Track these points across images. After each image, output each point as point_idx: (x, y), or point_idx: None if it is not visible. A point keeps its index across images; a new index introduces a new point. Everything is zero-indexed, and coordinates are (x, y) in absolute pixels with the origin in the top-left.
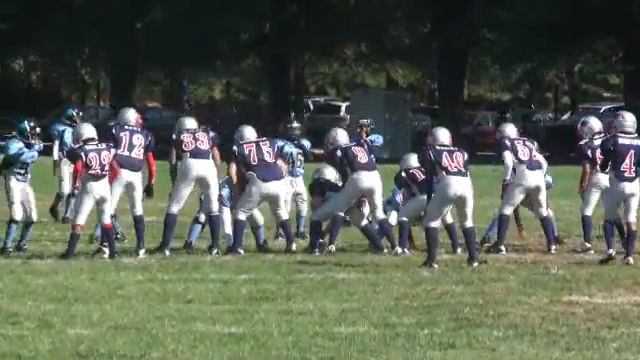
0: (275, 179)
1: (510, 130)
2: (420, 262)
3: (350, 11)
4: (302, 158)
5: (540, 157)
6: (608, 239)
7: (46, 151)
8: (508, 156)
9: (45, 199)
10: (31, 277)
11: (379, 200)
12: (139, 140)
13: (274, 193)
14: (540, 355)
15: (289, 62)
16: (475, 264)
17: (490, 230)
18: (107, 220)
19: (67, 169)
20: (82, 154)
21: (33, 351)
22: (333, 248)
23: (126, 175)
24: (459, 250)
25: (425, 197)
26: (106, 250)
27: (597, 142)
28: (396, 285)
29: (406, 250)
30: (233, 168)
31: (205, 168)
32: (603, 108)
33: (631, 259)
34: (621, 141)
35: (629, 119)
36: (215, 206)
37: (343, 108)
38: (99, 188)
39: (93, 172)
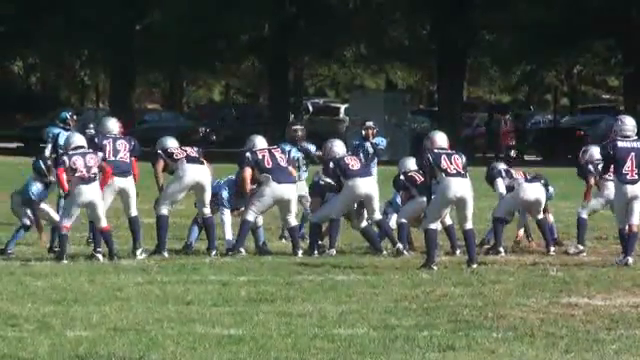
0: (289, 182)
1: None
2: (419, 264)
3: (349, 13)
4: (305, 161)
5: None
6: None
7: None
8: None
9: None
10: (30, 279)
11: (376, 204)
12: (123, 145)
13: (287, 197)
14: (539, 357)
15: (288, 64)
16: (474, 266)
17: (490, 232)
18: (103, 223)
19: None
20: (65, 159)
21: (32, 353)
22: (333, 252)
23: (118, 182)
24: (458, 252)
25: (424, 199)
26: (100, 256)
27: (597, 157)
28: (395, 287)
29: (405, 252)
30: (247, 172)
31: (201, 173)
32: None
33: (630, 259)
34: (620, 145)
35: (629, 123)
36: (207, 209)
37: (342, 110)
38: (89, 192)
39: (80, 175)
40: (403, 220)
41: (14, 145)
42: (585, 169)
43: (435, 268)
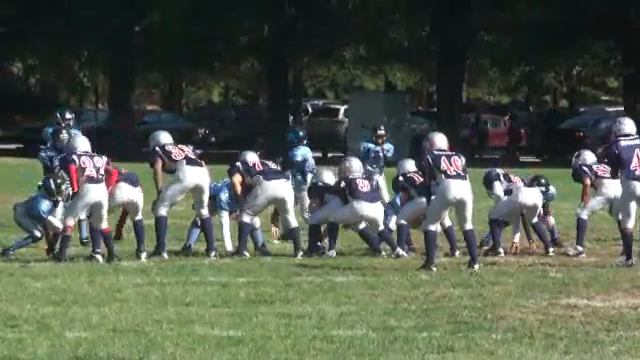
0: (280, 179)
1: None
2: (418, 265)
3: (348, 14)
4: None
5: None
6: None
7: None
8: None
9: None
10: (30, 280)
11: (380, 222)
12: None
13: (281, 195)
14: (538, 358)
15: (288, 65)
16: (476, 267)
17: (488, 234)
18: (104, 225)
19: None
20: (75, 158)
21: (31, 354)
22: (333, 254)
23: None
24: (457, 253)
25: (423, 200)
26: (99, 257)
27: (590, 161)
28: (394, 288)
29: (404, 253)
30: (237, 178)
31: (201, 176)
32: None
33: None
34: (623, 143)
35: (627, 123)
36: (205, 210)
37: (342, 111)
38: (96, 191)
39: (89, 174)
40: (402, 221)
41: (14, 146)
42: (579, 170)
43: (434, 269)
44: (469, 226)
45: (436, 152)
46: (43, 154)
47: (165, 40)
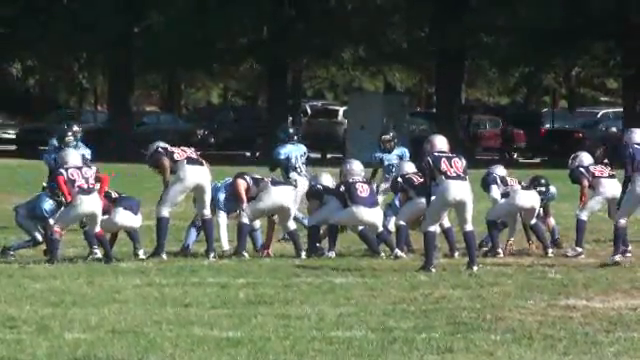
0: (286, 186)
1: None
2: (418, 266)
3: (348, 15)
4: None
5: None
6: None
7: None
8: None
9: None
10: (29, 281)
11: (379, 226)
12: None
13: (286, 204)
14: (537, 359)
15: (287, 66)
16: (475, 268)
17: (487, 235)
18: (98, 229)
19: None
20: (62, 171)
21: (31, 355)
22: (333, 254)
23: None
24: (457, 254)
25: (422, 200)
26: (97, 251)
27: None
28: (394, 289)
29: (403, 254)
30: (242, 184)
31: (202, 175)
32: (600, 113)
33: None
34: (637, 146)
35: (638, 131)
36: (208, 210)
37: (341, 112)
38: (89, 202)
39: (80, 184)
40: (402, 222)
41: (13, 147)
42: (576, 172)
43: (433, 270)
44: (469, 227)
45: (436, 154)
46: (47, 156)
47: (164, 41)
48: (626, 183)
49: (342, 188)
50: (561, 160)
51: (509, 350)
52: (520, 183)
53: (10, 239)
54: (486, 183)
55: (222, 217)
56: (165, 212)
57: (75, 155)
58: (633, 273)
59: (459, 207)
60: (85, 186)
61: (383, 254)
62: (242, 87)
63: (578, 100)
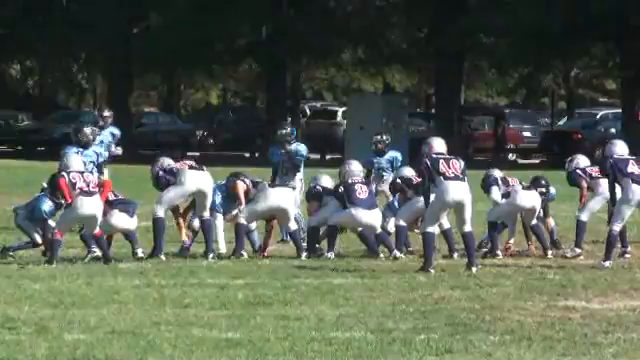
0: (283, 187)
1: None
2: (417, 267)
3: (347, 16)
4: (288, 167)
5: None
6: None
7: (41, 157)
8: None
9: None
10: (28, 282)
11: (377, 227)
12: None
13: (284, 206)
14: None
15: (286, 67)
16: (474, 269)
17: (487, 236)
18: (96, 230)
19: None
20: (64, 174)
21: (30, 356)
22: (332, 255)
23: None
24: (456, 255)
25: (421, 199)
26: (95, 249)
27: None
28: (393, 290)
29: (402, 255)
30: (241, 185)
31: (203, 179)
32: (600, 114)
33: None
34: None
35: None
36: (207, 212)
37: (340, 113)
38: (90, 204)
39: (81, 186)
40: (401, 223)
41: (12, 148)
42: (574, 174)
43: (432, 271)
44: (468, 228)
45: (434, 155)
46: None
47: (163, 42)
48: (611, 192)
49: (341, 189)
50: (560, 161)
51: (508, 351)
52: (521, 183)
53: (9, 240)
54: (486, 184)
55: (219, 219)
56: (160, 213)
57: (77, 160)
58: (632, 274)
59: (458, 208)
60: (86, 189)
61: (382, 255)
62: (241, 88)
63: (577, 101)
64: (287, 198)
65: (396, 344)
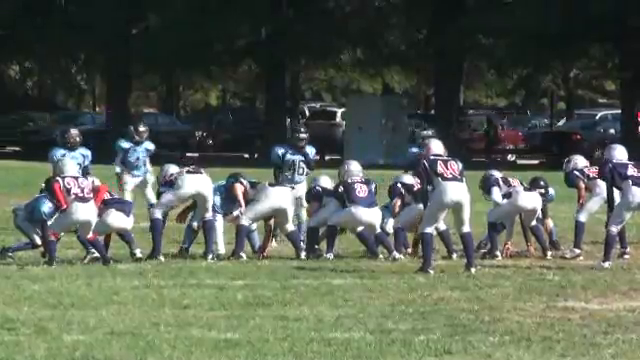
0: (284, 187)
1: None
2: (416, 268)
3: (346, 17)
4: (304, 166)
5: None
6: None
7: (40, 157)
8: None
9: None
10: (27, 283)
11: (377, 227)
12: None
13: (284, 206)
14: None
15: (285, 67)
16: (473, 270)
17: (487, 236)
18: (90, 235)
19: (130, 181)
20: (58, 179)
21: (29, 357)
22: (331, 256)
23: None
24: (455, 256)
25: (420, 206)
26: (94, 250)
27: (581, 165)
28: (392, 291)
29: (401, 256)
30: (239, 188)
31: (201, 183)
32: (599, 115)
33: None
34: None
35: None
36: (209, 213)
37: (339, 114)
38: (84, 210)
39: (75, 192)
40: (399, 226)
41: (11, 149)
42: (572, 175)
43: (432, 272)
44: (466, 229)
45: (432, 157)
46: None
47: (162, 42)
48: (609, 197)
49: (341, 189)
50: (559, 162)
51: (507, 352)
52: (522, 184)
53: (8, 241)
54: (487, 185)
55: (219, 220)
56: (158, 214)
57: (73, 165)
58: (631, 275)
59: (456, 208)
60: (81, 194)
61: (381, 256)
62: (240, 89)
63: (576, 102)
64: (287, 198)
65: (395, 345)
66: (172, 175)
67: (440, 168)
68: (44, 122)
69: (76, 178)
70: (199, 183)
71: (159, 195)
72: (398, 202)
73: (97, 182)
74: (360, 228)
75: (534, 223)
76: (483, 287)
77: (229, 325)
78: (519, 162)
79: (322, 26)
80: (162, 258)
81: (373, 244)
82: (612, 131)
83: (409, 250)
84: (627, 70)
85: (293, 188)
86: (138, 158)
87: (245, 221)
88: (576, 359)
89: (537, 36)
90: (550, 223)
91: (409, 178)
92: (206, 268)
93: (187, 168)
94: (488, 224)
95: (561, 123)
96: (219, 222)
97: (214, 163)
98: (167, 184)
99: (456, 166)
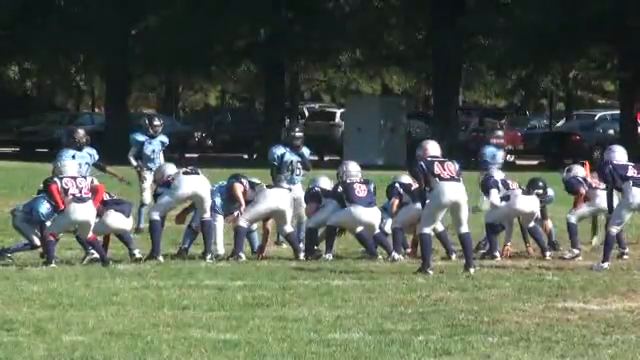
0: (281, 189)
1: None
2: (415, 268)
3: (345, 17)
4: (300, 166)
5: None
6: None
7: (39, 158)
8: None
9: None
10: (26, 283)
11: (377, 226)
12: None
13: (282, 207)
14: None
15: (284, 68)
16: (472, 270)
17: (485, 237)
18: (89, 235)
19: (150, 178)
20: (56, 180)
21: (28, 358)
22: (330, 257)
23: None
24: (454, 256)
25: (418, 205)
26: (93, 251)
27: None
28: (391, 292)
29: (400, 257)
30: (239, 187)
31: (198, 184)
32: (598, 115)
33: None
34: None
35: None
36: (207, 213)
37: (338, 115)
38: (82, 210)
39: (73, 192)
40: (398, 226)
41: (10, 149)
42: (573, 180)
43: (431, 273)
44: (465, 229)
45: (429, 158)
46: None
47: (162, 43)
48: (609, 199)
49: (340, 189)
50: (559, 162)
51: (506, 352)
52: (521, 187)
53: (7, 242)
54: (486, 187)
55: (219, 220)
56: (156, 215)
57: (72, 165)
58: (630, 276)
59: (454, 208)
60: (79, 195)
61: (380, 256)
62: (239, 89)
63: (576, 102)
64: (285, 200)
65: (394, 345)
66: (169, 176)
67: (437, 169)
68: (43, 123)
69: (74, 178)
70: (196, 184)
71: (156, 195)
72: (396, 202)
73: (96, 182)
74: (359, 228)
75: (532, 224)
76: (482, 287)
77: (228, 326)
78: (518, 163)
79: (321, 27)
80: (161, 259)
81: (372, 245)
82: (611, 132)
83: (408, 250)
84: (626, 70)
85: (290, 190)
86: (154, 151)
87: (243, 222)
88: (575, 359)
89: (536, 36)
90: (549, 224)
91: (407, 178)
92: (205, 269)
93: (184, 169)
94: (486, 225)
95: (560, 124)
96: (219, 223)
97: (213, 164)
98: (165, 185)
99: (453, 167)
